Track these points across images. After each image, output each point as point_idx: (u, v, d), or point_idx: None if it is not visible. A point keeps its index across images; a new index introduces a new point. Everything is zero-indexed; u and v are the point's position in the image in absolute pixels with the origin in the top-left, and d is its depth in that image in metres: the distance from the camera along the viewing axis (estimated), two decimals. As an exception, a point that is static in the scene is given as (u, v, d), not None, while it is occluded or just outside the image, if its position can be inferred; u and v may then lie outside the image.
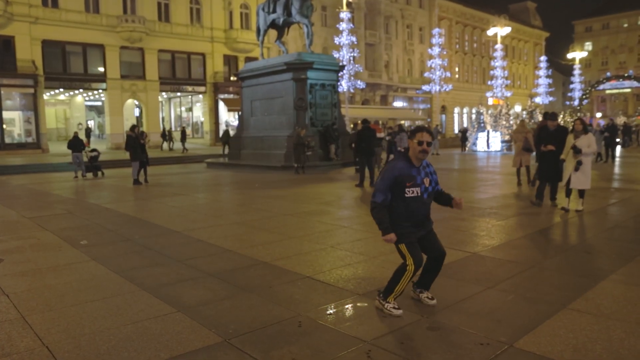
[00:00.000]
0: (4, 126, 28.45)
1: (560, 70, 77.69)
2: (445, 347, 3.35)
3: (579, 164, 7.87)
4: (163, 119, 39.92)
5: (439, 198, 4.16)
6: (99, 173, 17.16)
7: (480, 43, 59.65)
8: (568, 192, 8.27)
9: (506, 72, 48.56)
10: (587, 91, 50.78)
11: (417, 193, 3.90)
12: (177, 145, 31.64)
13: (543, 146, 8.49)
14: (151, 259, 5.76)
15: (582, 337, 3.45)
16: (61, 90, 32.85)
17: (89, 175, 16.96)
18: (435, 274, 4.16)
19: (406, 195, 3.86)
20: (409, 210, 3.91)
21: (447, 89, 47.34)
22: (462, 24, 57.12)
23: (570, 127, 8.41)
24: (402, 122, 42.82)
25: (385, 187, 3.87)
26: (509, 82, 52.52)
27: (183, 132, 30.47)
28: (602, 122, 32.56)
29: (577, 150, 7.83)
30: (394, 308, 3.92)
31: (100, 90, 32.49)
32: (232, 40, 35.73)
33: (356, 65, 37.89)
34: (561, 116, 37.26)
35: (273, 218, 8.26)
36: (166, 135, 31.83)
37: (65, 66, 30.19)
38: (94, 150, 17.64)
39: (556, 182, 8.72)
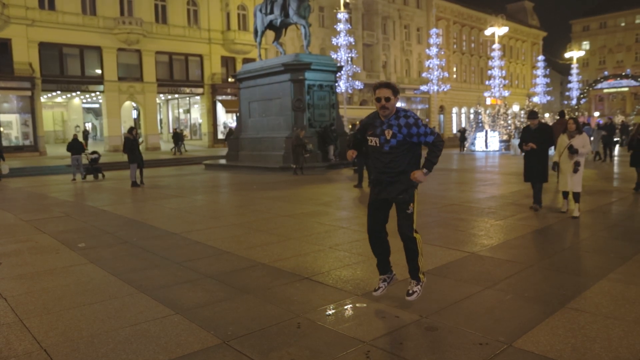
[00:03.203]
0: (1, 129, 28.40)
1: (558, 70, 77.84)
2: (444, 347, 3.34)
3: (577, 165, 7.68)
4: (161, 120, 39.88)
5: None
6: (100, 175, 17.15)
7: (477, 43, 59.74)
8: (565, 194, 8.14)
9: (504, 71, 48.60)
10: (585, 90, 50.82)
11: (376, 143, 3.92)
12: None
13: (524, 145, 8.28)
14: (149, 261, 5.75)
15: (581, 336, 3.45)
16: (58, 92, 32.79)
17: (90, 177, 16.94)
18: (407, 257, 4.02)
19: (369, 143, 4.01)
20: (371, 160, 4.06)
21: (445, 89, 47.37)
22: (459, 24, 57.20)
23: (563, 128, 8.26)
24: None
25: (358, 129, 4.23)
26: (506, 81, 52.51)
27: (175, 134, 30.29)
28: (600, 121, 32.59)
29: (573, 151, 7.62)
30: (374, 289, 4.20)
31: (98, 93, 32.44)
32: (229, 41, 35.72)
33: (354, 66, 37.91)
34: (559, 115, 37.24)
35: (271, 219, 8.25)
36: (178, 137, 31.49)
37: (63, 68, 30.15)
38: (94, 152, 17.64)
39: (540, 182, 8.45)
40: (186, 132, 38.37)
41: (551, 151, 8.47)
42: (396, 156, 3.85)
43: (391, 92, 3.82)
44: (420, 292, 4.04)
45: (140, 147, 14.88)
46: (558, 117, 14.14)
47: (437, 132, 3.90)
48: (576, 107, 48.15)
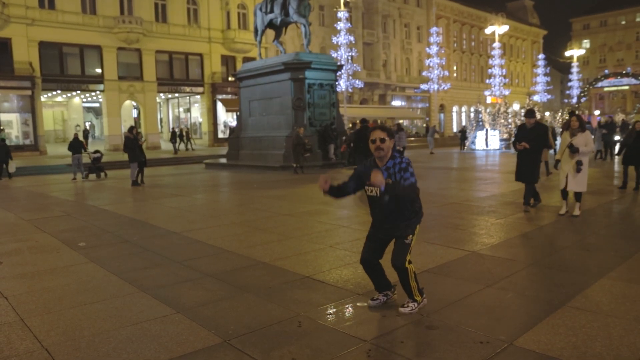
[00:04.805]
0: (2, 128, 28.38)
1: (558, 68, 77.75)
2: (444, 346, 3.34)
3: (579, 164, 7.45)
4: (161, 120, 39.86)
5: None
6: (102, 174, 17.16)
7: (478, 41, 59.68)
8: (564, 195, 7.90)
9: (504, 70, 48.60)
10: (585, 89, 50.77)
11: (377, 194, 3.85)
12: (189, 145, 31.86)
13: (518, 144, 8.07)
14: (150, 261, 5.75)
15: (582, 335, 3.45)
16: (58, 92, 32.81)
17: (92, 176, 16.95)
18: (401, 284, 3.96)
19: (367, 193, 3.95)
20: (371, 209, 4.02)
21: (446, 88, 47.38)
22: (459, 22, 57.15)
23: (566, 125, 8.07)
24: (401, 121, 42.91)
25: (351, 176, 4.06)
26: (507, 80, 52.55)
27: (174, 134, 30.36)
28: (600, 119, 32.58)
29: (573, 150, 7.42)
30: (371, 298, 4.19)
31: (98, 92, 32.44)
32: (229, 40, 35.71)
33: (354, 65, 37.91)
34: (560, 113, 37.30)
35: (272, 218, 8.26)
36: (183, 136, 31.47)
37: (63, 68, 30.14)
38: (97, 151, 17.67)
39: (531, 183, 8.24)
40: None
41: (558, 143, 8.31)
42: (396, 206, 3.82)
43: (386, 134, 3.81)
44: (415, 309, 3.91)
45: (142, 147, 14.86)
46: (568, 117, 14.25)
47: (417, 187, 3.82)
48: (577, 105, 48.13)
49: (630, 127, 12.72)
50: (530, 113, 8.25)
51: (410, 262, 3.89)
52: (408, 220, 3.88)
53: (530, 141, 7.94)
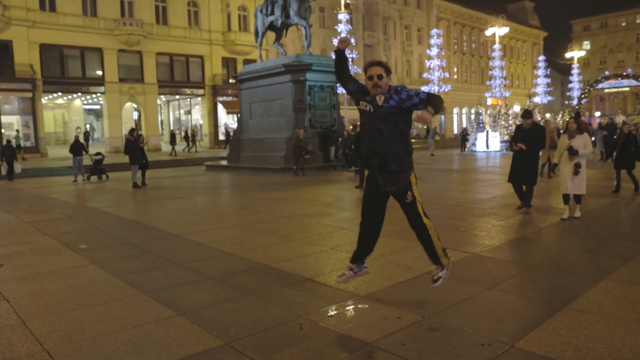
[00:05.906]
0: (3, 130, 28.43)
1: (559, 70, 77.75)
2: (446, 348, 3.34)
3: (577, 167, 7.36)
4: (162, 122, 39.89)
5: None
6: (104, 176, 17.18)
7: (478, 43, 59.72)
8: (566, 199, 7.72)
9: (505, 72, 48.59)
10: (586, 90, 50.76)
11: (370, 109, 3.77)
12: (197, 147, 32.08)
13: (514, 145, 8.00)
14: (151, 263, 5.76)
15: (583, 337, 3.45)
16: (59, 94, 32.83)
17: (94, 178, 16.97)
18: (422, 246, 3.90)
19: (359, 107, 3.85)
20: (362, 132, 3.90)
21: (446, 90, 47.37)
22: (460, 24, 57.19)
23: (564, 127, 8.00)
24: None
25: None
26: (507, 82, 52.55)
27: (172, 135, 30.43)
28: (599, 120, 32.60)
29: (572, 152, 7.31)
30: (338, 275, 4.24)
31: (99, 94, 32.47)
32: (230, 42, 35.75)
33: (355, 67, 37.91)
34: (560, 115, 37.30)
35: (273, 220, 8.26)
36: (189, 138, 31.68)
37: (63, 70, 30.18)
38: (98, 153, 17.70)
39: (530, 185, 8.12)
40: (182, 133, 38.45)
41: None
42: (387, 126, 3.71)
43: (383, 70, 3.70)
44: (445, 276, 3.94)
45: (143, 149, 14.87)
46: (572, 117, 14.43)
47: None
48: (577, 107, 48.12)
49: (632, 128, 12.74)
50: (527, 114, 8.21)
51: (426, 216, 3.86)
52: (399, 159, 3.73)
53: (527, 142, 7.89)
